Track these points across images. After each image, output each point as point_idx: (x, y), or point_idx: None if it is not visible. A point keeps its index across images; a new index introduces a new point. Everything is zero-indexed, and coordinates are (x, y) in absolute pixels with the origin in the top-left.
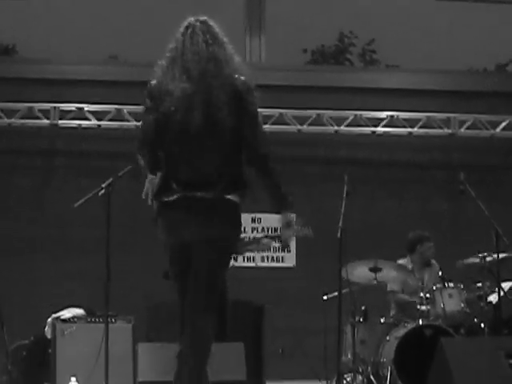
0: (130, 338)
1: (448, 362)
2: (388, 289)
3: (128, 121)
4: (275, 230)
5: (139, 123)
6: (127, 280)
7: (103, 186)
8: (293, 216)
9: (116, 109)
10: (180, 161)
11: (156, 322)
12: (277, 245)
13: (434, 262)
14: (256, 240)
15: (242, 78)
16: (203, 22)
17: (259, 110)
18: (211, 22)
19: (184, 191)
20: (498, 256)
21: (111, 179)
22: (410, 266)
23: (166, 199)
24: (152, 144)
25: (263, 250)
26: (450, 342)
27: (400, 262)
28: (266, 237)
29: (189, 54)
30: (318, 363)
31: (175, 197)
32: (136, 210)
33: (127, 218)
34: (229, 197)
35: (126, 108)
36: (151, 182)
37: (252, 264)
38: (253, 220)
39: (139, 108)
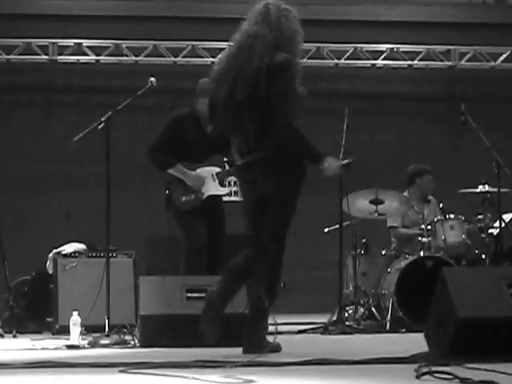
0: (131, 271)
1: (449, 291)
2: (388, 224)
3: (127, 56)
4: None
5: (138, 58)
6: (127, 216)
7: (102, 119)
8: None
9: (114, 44)
10: None
11: (156, 257)
12: None
13: (432, 198)
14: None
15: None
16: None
17: None
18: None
19: None
20: (499, 187)
21: (110, 113)
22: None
23: None
24: None
25: None
26: (452, 272)
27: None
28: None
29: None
30: (320, 296)
31: None
32: (135, 145)
33: (126, 153)
34: None
35: (124, 43)
36: None
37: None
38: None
39: (138, 43)
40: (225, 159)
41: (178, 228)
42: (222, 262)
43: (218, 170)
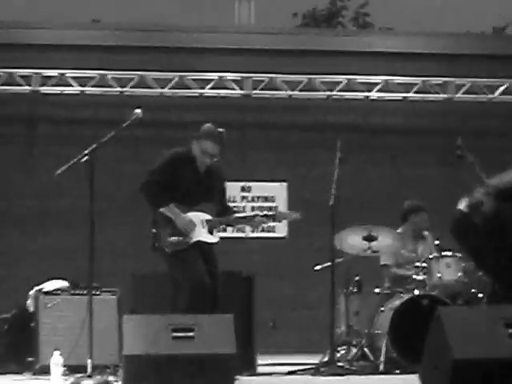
0: (114, 310)
1: (445, 331)
2: (381, 262)
3: (112, 86)
4: (266, 199)
5: (124, 89)
6: (112, 252)
7: (86, 152)
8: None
9: (99, 74)
10: None
11: (141, 294)
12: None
13: (427, 233)
14: (249, 218)
15: None
16: None
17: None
18: None
19: None
20: None
21: (94, 146)
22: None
23: None
24: None
25: (255, 227)
26: (448, 311)
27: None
28: (259, 216)
29: None
30: (311, 336)
31: None
32: (121, 179)
33: (112, 187)
34: None
35: (109, 73)
36: None
37: (242, 234)
38: (243, 189)
39: (123, 73)
40: (225, 208)
41: (172, 268)
42: (220, 302)
43: (208, 217)
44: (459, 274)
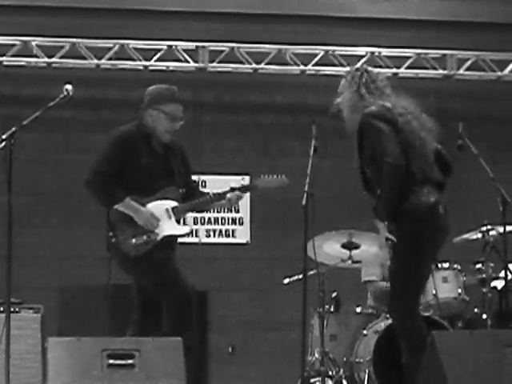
0: (38, 331)
1: (441, 360)
2: (363, 277)
3: (37, 56)
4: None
5: (51, 59)
6: (35, 260)
7: (3, 137)
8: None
9: (21, 41)
10: None
11: (70, 312)
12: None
13: None
14: (221, 195)
15: None
16: None
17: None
18: None
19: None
20: (505, 229)
21: (14, 129)
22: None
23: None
24: None
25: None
26: (444, 336)
27: None
28: (233, 190)
29: None
30: (278, 364)
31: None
32: (46, 170)
33: (35, 180)
34: None
35: (33, 40)
36: None
37: (194, 239)
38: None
39: (51, 40)
40: (180, 190)
41: (140, 276)
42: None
43: (173, 203)
44: (459, 290)
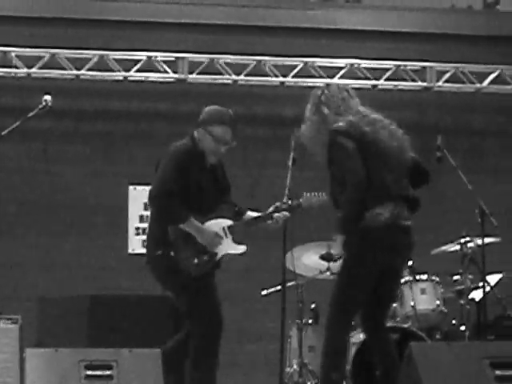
0: (16, 342)
1: (418, 372)
2: None
3: (16, 67)
4: None
5: (31, 70)
6: (13, 269)
7: None
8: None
9: (1, 52)
10: None
11: (49, 322)
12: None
13: None
14: (268, 215)
15: None
16: None
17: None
18: None
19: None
20: (483, 241)
21: None
22: None
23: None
24: None
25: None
26: (422, 348)
27: None
28: (278, 209)
29: None
30: (256, 376)
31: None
32: (26, 180)
33: (14, 190)
34: None
35: (14, 51)
36: None
37: None
38: None
39: (31, 51)
40: (235, 208)
41: (186, 302)
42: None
43: (229, 222)
44: (437, 301)
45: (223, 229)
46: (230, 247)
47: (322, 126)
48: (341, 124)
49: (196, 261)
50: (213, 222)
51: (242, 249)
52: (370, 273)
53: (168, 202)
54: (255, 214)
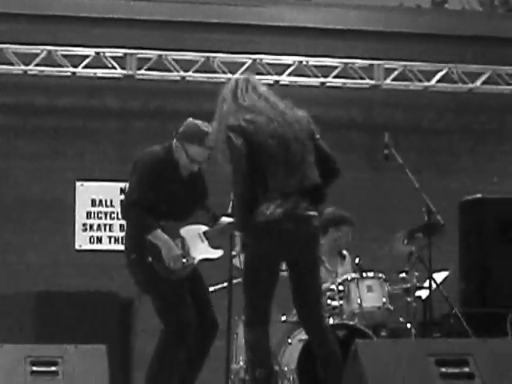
0: None
1: (363, 369)
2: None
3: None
4: None
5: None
6: None
7: None
8: None
9: None
10: None
11: None
12: None
13: (346, 253)
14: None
15: None
16: None
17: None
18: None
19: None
20: (430, 239)
21: None
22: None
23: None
24: None
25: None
26: (367, 345)
27: None
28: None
29: None
30: (202, 373)
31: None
32: None
33: None
34: None
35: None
36: None
37: (119, 246)
38: (123, 191)
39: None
40: (210, 213)
41: (157, 301)
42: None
43: (204, 228)
44: (383, 299)
45: (199, 235)
46: (206, 252)
47: (222, 122)
48: (233, 119)
49: (172, 265)
50: (190, 227)
51: (218, 253)
52: (267, 265)
53: (133, 212)
54: (229, 220)
